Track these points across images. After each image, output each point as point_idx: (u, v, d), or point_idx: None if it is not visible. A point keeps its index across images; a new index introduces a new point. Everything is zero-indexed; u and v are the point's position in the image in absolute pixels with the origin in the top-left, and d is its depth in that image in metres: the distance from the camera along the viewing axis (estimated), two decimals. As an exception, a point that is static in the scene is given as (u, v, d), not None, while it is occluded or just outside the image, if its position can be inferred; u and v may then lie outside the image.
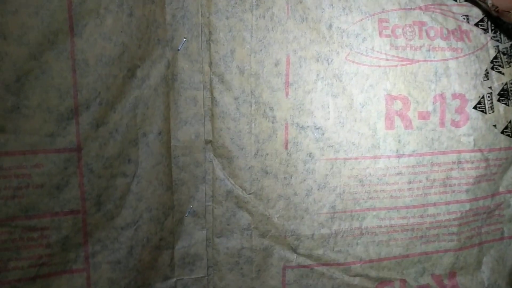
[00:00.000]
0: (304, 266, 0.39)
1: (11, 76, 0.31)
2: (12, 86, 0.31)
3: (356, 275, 0.40)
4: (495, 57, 0.42)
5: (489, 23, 0.42)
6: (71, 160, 0.33)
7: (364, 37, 0.38)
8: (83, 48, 0.32)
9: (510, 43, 0.42)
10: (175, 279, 0.38)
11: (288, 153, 0.37)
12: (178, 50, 0.35)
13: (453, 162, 0.41)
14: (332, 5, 0.37)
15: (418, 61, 0.39)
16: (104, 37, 0.33)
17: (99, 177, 0.34)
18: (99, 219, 0.35)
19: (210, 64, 0.35)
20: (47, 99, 0.32)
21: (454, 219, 0.42)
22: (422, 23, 0.40)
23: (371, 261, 0.41)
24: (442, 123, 0.40)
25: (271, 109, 0.36)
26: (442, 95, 0.40)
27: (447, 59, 0.40)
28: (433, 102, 0.40)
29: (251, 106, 0.36)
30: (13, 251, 0.33)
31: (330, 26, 0.37)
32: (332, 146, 0.38)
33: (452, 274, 0.42)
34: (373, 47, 0.38)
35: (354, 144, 0.38)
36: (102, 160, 0.34)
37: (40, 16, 0.31)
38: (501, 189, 0.44)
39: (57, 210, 0.33)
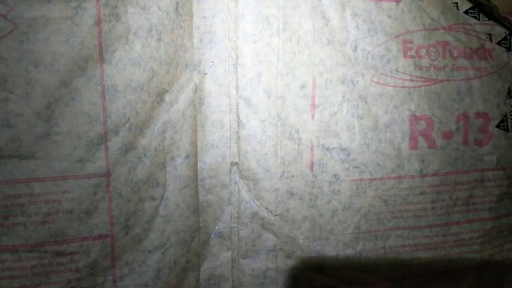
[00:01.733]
0: (329, 286, 0.39)
1: (42, 103, 0.31)
2: (43, 113, 0.31)
3: (380, 294, 0.40)
4: (518, 75, 0.42)
5: (512, 41, 0.42)
6: (100, 185, 0.33)
7: (389, 59, 0.38)
8: (112, 74, 0.32)
9: (533, 61, 0.42)
10: (200, 300, 0.38)
11: (313, 174, 0.37)
12: (205, 74, 0.35)
13: (476, 181, 0.41)
14: (357, 27, 0.36)
15: (442, 81, 0.39)
16: (133, 63, 0.32)
17: (127, 201, 0.34)
18: (127, 243, 0.35)
19: (237, 88, 0.35)
20: (77, 125, 0.32)
21: (477, 237, 0.42)
22: (446, 43, 0.39)
23: (395, 279, 0.40)
24: (465, 142, 0.40)
25: (297, 131, 0.36)
26: (465, 114, 0.40)
27: (470, 79, 0.40)
28: (457, 122, 0.40)
29: (277, 129, 0.36)
30: (43, 276, 0.33)
31: (356, 48, 0.37)
32: (357, 167, 0.38)
33: (474, 292, 0.42)
34: (397, 68, 0.38)
35: (379, 165, 0.38)
36: (131, 184, 0.34)
37: (71, 44, 0.31)
38: (523, 207, 0.44)
39: (86, 235, 0.33)
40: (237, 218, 0.37)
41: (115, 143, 0.33)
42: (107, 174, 0.33)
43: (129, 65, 0.32)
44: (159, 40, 0.33)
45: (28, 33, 0.30)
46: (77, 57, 0.31)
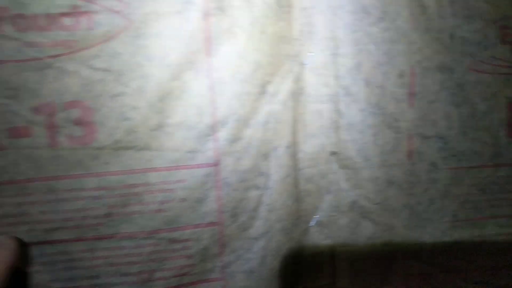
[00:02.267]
0: (426, 274, 0.35)
1: (155, 96, 0.29)
2: (156, 105, 0.29)
3: (476, 283, 0.36)
4: None
5: None
6: (210, 174, 0.31)
7: (486, 45, 0.33)
8: (219, 67, 0.30)
9: None
10: (301, 286, 0.35)
11: (411, 163, 0.33)
12: (305, 64, 0.32)
13: None
14: (454, 14, 0.33)
15: (539, 66, 0.35)
16: (239, 55, 0.30)
17: (234, 190, 0.31)
18: (234, 230, 0.32)
19: (336, 77, 0.32)
20: (187, 117, 0.30)
21: None
22: (542, 28, 0.35)
23: (492, 268, 0.36)
24: None
25: (396, 120, 0.33)
26: None
27: None
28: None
29: (376, 118, 0.32)
30: (159, 262, 0.31)
31: (453, 35, 0.33)
32: (455, 155, 0.34)
33: None
34: (495, 55, 0.34)
35: (476, 153, 0.34)
36: (238, 173, 0.31)
37: (181, 38, 0.29)
38: None
39: (197, 223, 0.31)
40: (336, 207, 0.34)
41: (223, 134, 0.30)
42: (216, 164, 0.30)
43: (235, 58, 0.30)
44: (262, 32, 0.30)
45: (142, 29, 0.28)
46: (187, 51, 0.29)
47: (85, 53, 0.28)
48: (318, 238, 0.35)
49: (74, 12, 0.27)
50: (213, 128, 0.30)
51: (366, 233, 0.35)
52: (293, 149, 0.33)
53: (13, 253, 0.28)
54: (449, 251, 0.36)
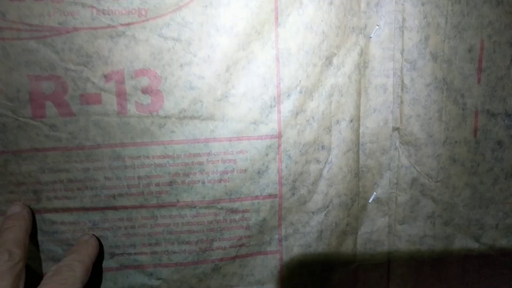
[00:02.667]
0: (486, 256, 0.35)
1: (221, 66, 0.29)
2: (222, 75, 0.29)
3: (538, 267, 0.35)
4: None
5: None
6: (272, 146, 0.31)
7: (559, 20, 0.32)
8: (286, 38, 0.30)
9: None
10: (356, 264, 0.35)
11: (476, 140, 0.33)
12: (371, 37, 0.32)
13: None
14: (529, -14, 0.32)
15: None
16: (306, 26, 0.30)
17: (295, 163, 0.32)
18: (293, 203, 0.32)
19: (402, 51, 0.32)
20: (252, 88, 0.30)
21: None
22: None
23: (555, 253, 0.35)
24: None
25: (462, 95, 0.32)
26: None
27: None
28: None
29: (442, 93, 0.32)
30: (217, 232, 0.32)
31: (525, 8, 0.32)
32: (522, 133, 0.33)
33: None
34: None
35: (545, 132, 0.33)
36: (299, 146, 0.31)
37: (249, 8, 0.29)
38: None
39: (257, 194, 0.32)
40: (396, 184, 0.34)
41: (287, 105, 0.30)
42: (279, 135, 0.31)
43: (302, 29, 0.30)
44: (330, 3, 0.30)
45: (211, -2, 0.28)
46: (255, 21, 0.29)
47: (156, 22, 0.28)
48: (377, 215, 0.35)
49: (146, -21, 0.28)
50: (277, 100, 0.31)
51: (426, 211, 0.35)
52: (355, 123, 0.33)
53: (96, 251, 0.30)
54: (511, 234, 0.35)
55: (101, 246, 0.31)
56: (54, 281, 0.26)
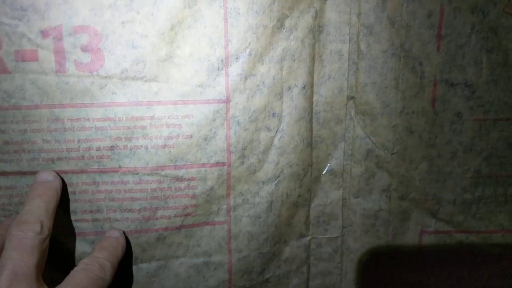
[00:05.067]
0: (442, 232, 0.37)
1: (166, 25, 0.31)
2: (167, 34, 0.31)
3: (497, 244, 0.38)
4: None
5: None
6: (220, 111, 0.32)
7: (524, -13, 0.34)
8: (235, -3, 0.31)
9: None
10: (309, 237, 0.37)
11: (435, 111, 0.35)
12: (326, 0, 0.33)
13: None
14: (492, -50, 0.33)
15: None
16: (256, -15, 0.31)
17: (245, 129, 0.33)
18: (242, 172, 0.34)
19: (359, 15, 0.33)
20: (198, 48, 0.31)
21: None
22: None
23: (514, 230, 0.38)
24: None
25: (420, 64, 0.34)
26: None
27: None
28: None
29: (399, 60, 0.34)
30: (161, 200, 0.33)
31: (489, -26, 0.33)
32: (482, 105, 0.35)
33: None
34: (534, -2, 0.34)
35: (506, 104, 0.35)
36: (249, 112, 0.33)
37: (196, -37, 0.30)
38: None
39: (204, 162, 0.33)
40: (351, 155, 0.35)
41: (235, 68, 0.32)
42: (227, 100, 0.32)
43: (252, -12, 0.31)
44: (282, -38, 0.31)
45: (155, -48, 0.29)
46: (202, -23, 0.30)
47: (96, -26, 0.29)
48: (330, 187, 0.37)
49: None
50: (225, 62, 0.32)
51: (381, 184, 0.36)
52: (308, 90, 0.34)
53: (124, 251, 0.32)
54: (470, 209, 0.37)
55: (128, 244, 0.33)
56: (84, 277, 0.28)
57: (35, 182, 0.31)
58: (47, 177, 0.31)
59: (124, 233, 0.33)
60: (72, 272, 0.28)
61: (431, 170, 0.36)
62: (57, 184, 0.31)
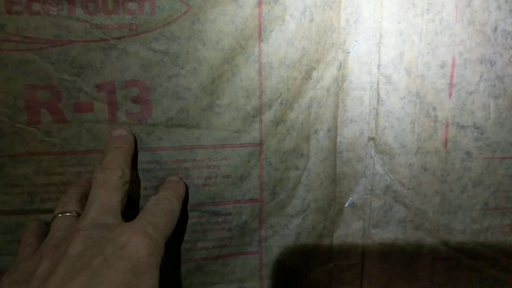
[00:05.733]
0: (453, 259, 0.41)
1: (207, 78, 0.34)
2: (208, 87, 0.34)
3: (503, 270, 0.41)
4: None
5: None
6: (254, 154, 0.36)
7: (528, 39, 0.38)
8: (269, 53, 0.35)
9: None
10: (332, 264, 0.41)
11: (447, 151, 0.38)
12: (349, 52, 0.37)
13: None
14: (499, 7, 0.37)
15: None
16: (288, 42, 0.35)
17: (276, 169, 0.37)
18: (273, 207, 0.38)
19: (379, 66, 0.37)
20: (236, 99, 0.35)
21: None
22: None
23: (519, 257, 0.41)
24: None
25: (434, 109, 0.38)
26: None
27: None
28: None
29: (415, 106, 0.37)
30: (201, 233, 0.37)
31: (496, 28, 0.37)
32: (490, 145, 0.39)
33: None
34: (536, 49, 0.38)
35: (511, 144, 0.39)
36: (279, 154, 0.37)
37: (235, 24, 0.34)
38: None
39: (239, 198, 0.37)
40: (371, 190, 0.39)
41: (268, 116, 0.36)
42: (260, 144, 0.36)
43: (284, 44, 0.35)
44: (311, 20, 0.35)
45: (199, 14, 0.33)
46: (240, 36, 0.34)
47: (146, 36, 0.33)
48: (352, 219, 0.41)
49: (138, -3, 0.33)
50: (259, 110, 0.36)
51: (398, 216, 0.40)
52: (333, 133, 0.38)
53: (185, 193, 0.35)
54: (478, 238, 0.41)
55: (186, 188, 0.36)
56: (158, 210, 0.31)
57: (111, 136, 0.33)
58: (122, 132, 0.34)
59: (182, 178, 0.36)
60: (146, 207, 0.31)
61: (443, 203, 0.40)
62: (131, 138, 0.34)
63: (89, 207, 0.29)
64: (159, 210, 0.31)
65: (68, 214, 0.30)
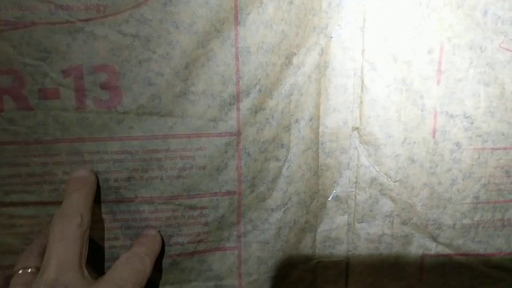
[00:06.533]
0: (443, 255, 0.39)
1: (180, 63, 0.33)
2: (181, 72, 0.33)
3: (495, 267, 0.40)
4: None
5: None
6: (231, 144, 0.34)
7: (519, 23, 0.36)
8: (246, 36, 0.33)
9: None
10: (316, 260, 0.39)
11: (435, 141, 0.37)
12: (332, 37, 0.35)
13: None
14: (489, -10, 0.35)
15: None
16: (266, 25, 0.33)
17: (254, 160, 0.35)
18: (252, 201, 0.36)
19: (363, 52, 0.35)
20: (211, 85, 0.33)
21: None
22: None
23: (511, 253, 0.40)
24: None
25: (421, 97, 0.36)
26: None
27: None
28: None
29: (401, 94, 0.36)
30: (175, 228, 0.35)
31: (486, 12, 0.36)
32: (480, 135, 0.37)
33: None
34: (528, 34, 0.36)
35: (503, 134, 0.37)
36: (258, 144, 0.35)
37: (209, 6, 0.32)
38: None
39: (216, 191, 0.35)
40: (355, 182, 0.38)
41: (246, 103, 0.34)
42: (238, 133, 0.34)
43: (262, 28, 0.33)
44: (291, 2, 0.33)
45: (171, -4, 0.31)
46: (214, 19, 0.32)
47: (115, 18, 0.31)
48: (336, 213, 0.39)
49: (105, -24, 0.31)
50: (236, 98, 0.34)
51: (384, 210, 0.38)
52: (315, 122, 0.37)
53: (160, 249, 0.34)
54: (469, 233, 0.39)
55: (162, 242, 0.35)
56: (127, 270, 0.29)
57: (71, 177, 0.32)
58: (84, 172, 0.33)
59: (159, 232, 0.35)
60: (114, 265, 0.30)
61: (432, 196, 0.38)
62: (93, 178, 0.33)
63: (47, 264, 0.27)
64: (128, 270, 0.30)
65: (28, 270, 0.29)
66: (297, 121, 0.36)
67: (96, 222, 0.34)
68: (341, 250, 0.39)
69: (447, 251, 0.39)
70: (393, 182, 0.37)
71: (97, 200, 0.34)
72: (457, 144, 0.37)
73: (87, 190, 0.32)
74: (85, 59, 0.32)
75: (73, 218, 0.29)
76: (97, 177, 0.33)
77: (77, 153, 0.33)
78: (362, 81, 0.36)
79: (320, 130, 0.37)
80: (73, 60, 0.32)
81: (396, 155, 0.37)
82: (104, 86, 0.32)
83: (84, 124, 0.33)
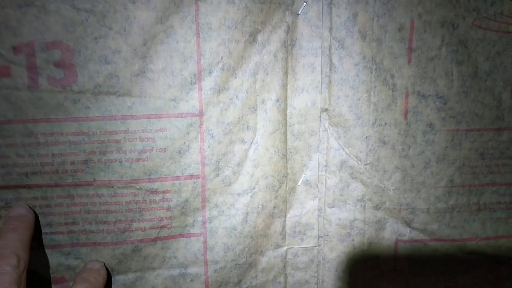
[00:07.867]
0: (417, 241, 0.38)
1: (138, 40, 0.31)
2: (139, 50, 0.31)
3: (471, 252, 0.39)
4: None
5: None
6: (193, 125, 0.33)
7: (493, 1, 0.35)
8: (207, 12, 0.32)
9: None
10: (286, 247, 0.38)
11: (407, 123, 0.36)
12: (298, 14, 0.34)
13: None
14: (461, -35, 0.34)
15: (551, 26, 0.36)
16: (228, 0, 0.32)
17: (219, 142, 0.34)
18: (217, 185, 0.35)
19: (331, 29, 0.34)
20: (171, 63, 0.32)
21: None
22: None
23: (487, 238, 0.39)
24: None
25: (392, 76, 0.35)
26: None
27: None
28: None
29: (371, 73, 0.35)
30: (137, 213, 0.34)
31: (458, -12, 0.34)
32: (454, 116, 0.36)
33: None
34: (502, 11, 0.35)
35: (477, 115, 0.36)
36: (223, 125, 0.34)
37: (167, -20, 0.31)
38: None
39: (178, 174, 0.34)
40: (325, 166, 0.36)
41: (208, 82, 0.32)
42: (200, 114, 0.33)
43: (224, 3, 0.32)
44: (253, -23, 0.32)
45: (127, -31, 0.30)
46: (174, -7, 0.31)
47: (67, -9, 0.30)
48: (306, 197, 0.38)
49: None
50: (198, 76, 0.33)
51: (356, 194, 0.37)
52: (282, 103, 0.35)
53: (104, 280, 0.33)
54: (443, 218, 0.38)
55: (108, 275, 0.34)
56: None
57: (8, 216, 0.31)
58: (20, 210, 0.31)
59: (104, 264, 0.34)
60: None
61: (404, 180, 0.37)
62: (30, 216, 0.32)
63: None
64: None
65: None
66: (263, 101, 0.35)
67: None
68: (311, 236, 0.38)
69: (421, 236, 0.38)
70: (364, 165, 0.36)
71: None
72: (430, 125, 0.36)
73: (23, 227, 0.30)
74: (37, 35, 0.30)
75: (9, 259, 0.28)
76: (36, 214, 0.32)
77: (31, 135, 0.32)
78: (331, 60, 0.35)
79: (288, 111, 0.35)
80: (24, 36, 0.30)
81: (366, 137, 0.36)
82: (58, 64, 0.31)
83: (37, 104, 0.31)
